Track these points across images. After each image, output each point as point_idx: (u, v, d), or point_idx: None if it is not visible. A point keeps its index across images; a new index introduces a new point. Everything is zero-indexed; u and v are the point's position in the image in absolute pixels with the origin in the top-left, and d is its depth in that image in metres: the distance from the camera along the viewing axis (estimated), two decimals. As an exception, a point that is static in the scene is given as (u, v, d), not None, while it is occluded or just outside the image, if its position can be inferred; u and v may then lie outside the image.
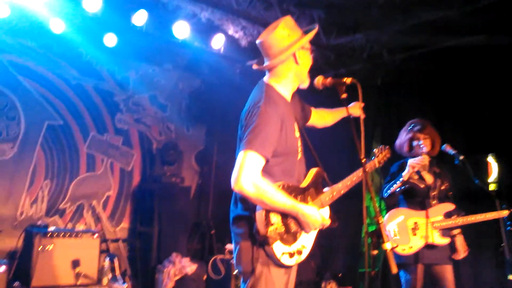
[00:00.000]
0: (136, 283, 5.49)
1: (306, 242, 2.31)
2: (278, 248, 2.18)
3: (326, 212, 2.45)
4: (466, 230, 3.84)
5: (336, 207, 2.51)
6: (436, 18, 4.19)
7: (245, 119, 2.28)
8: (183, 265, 5.35)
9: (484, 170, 5.13)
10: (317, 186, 2.45)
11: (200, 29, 5.15)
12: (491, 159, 5.20)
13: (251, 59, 5.59)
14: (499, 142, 5.07)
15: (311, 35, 2.39)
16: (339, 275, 5.56)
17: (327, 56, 5.29)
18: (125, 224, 5.91)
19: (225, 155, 5.82)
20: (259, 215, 2.16)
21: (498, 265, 4.78)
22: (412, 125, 3.78)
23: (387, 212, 3.78)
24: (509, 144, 5.03)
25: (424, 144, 3.68)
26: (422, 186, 3.69)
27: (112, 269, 4.97)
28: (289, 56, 2.36)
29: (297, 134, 2.41)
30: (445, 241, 3.62)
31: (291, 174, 2.35)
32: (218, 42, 5.33)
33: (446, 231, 3.65)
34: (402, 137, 3.83)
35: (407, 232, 3.60)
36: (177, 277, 5.24)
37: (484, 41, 4.36)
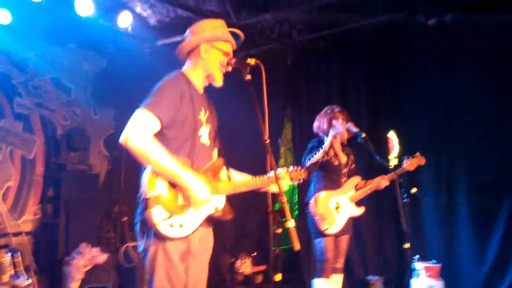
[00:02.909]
0: (42, 278, 5.15)
1: (190, 220, 2.23)
2: (158, 214, 2.11)
3: (221, 200, 2.41)
4: (369, 203, 4.14)
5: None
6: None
7: None
8: (93, 255, 5.12)
9: (385, 146, 5.45)
10: (215, 173, 2.42)
11: (105, 6, 4.87)
12: (392, 135, 5.52)
13: (160, 38, 5.40)
14: (400, 119, 5.40)
15: (220, 31, 2.42)
16: (253, 254, 5.63)
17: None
18: (28, 216, 5.51)
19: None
20: (145, 177, 2.15)
21: (398, 236, 5.13)
22: (332, 107, 4.09)
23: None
24: (408, 121, 5.37)
25: (343, 123, 3.97)
26: (336, 163, 4.01)
27: (14, 265, 4.62)
28: (194, 46, 2.42)
29: (203, 119, 2.41)
30: (361, 210, 4.01)
31: (188, 153, 2.30)
32: (124, 20, 5.07)
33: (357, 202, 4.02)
34: (322, 117, 4.08)
35: (331, 213, 3.88)
36: (87, 268, 5.00)
37: (385, 22, 4.57)
